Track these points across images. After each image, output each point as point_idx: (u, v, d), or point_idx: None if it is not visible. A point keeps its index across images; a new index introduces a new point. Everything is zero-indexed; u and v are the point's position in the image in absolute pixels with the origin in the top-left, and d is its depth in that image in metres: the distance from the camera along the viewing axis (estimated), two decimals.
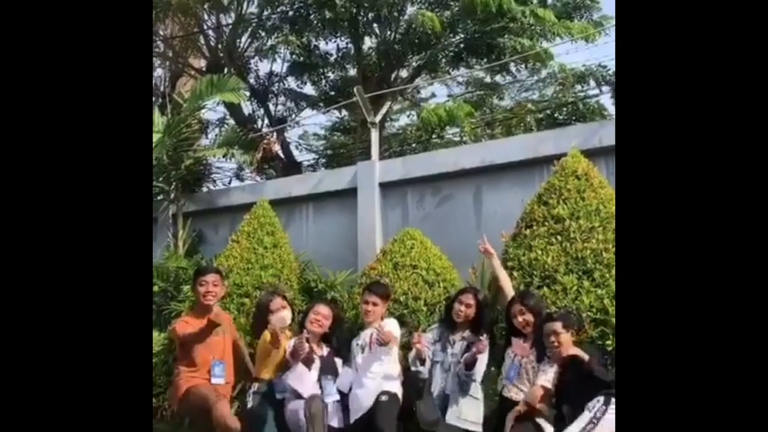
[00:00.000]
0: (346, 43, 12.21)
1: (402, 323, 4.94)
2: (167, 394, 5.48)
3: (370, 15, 11.39)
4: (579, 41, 10.92)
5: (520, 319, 4.29)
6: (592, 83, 12.42)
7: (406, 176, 7.16)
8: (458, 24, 11.14)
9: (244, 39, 12.39)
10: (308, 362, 4.54)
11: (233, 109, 11.74)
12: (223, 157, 9.39)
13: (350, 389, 4.61)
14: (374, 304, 4.73)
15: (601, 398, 3.76)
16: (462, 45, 11.59)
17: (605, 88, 12.24)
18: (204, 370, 4.56)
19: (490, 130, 13.77)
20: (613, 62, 11.57)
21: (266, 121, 12.96)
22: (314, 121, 23.70)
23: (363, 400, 4.48)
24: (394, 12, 11.32)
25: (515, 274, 4.82)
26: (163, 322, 6.45)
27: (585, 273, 4.60)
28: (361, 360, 4.63)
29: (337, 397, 4.58)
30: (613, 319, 4.28)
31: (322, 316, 4.75)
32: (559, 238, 4.79)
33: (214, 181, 10.44)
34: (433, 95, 15.29)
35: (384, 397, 4.40)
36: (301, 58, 12.02)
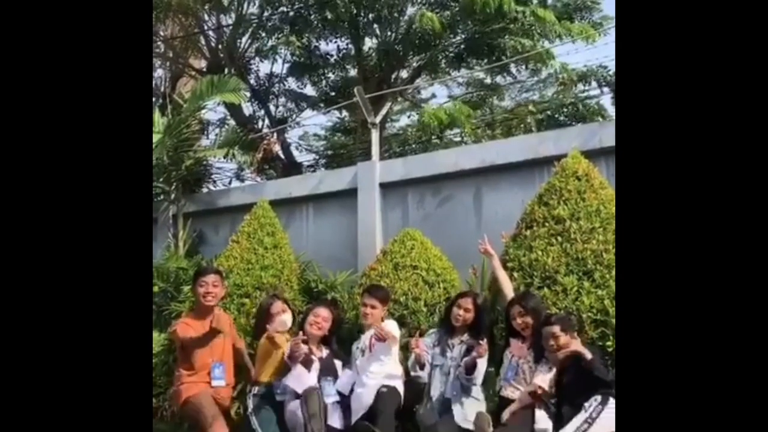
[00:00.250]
0: (347, 44, 12.23)
1: (402, 324, 4.94)
2: (167, 395, 5.48)
3: (371, 15, 11.40)
4: (579, 42, 10.93)
5: (519, 320, 4.29)
6: (593, 84, 12.42)
7: (407, 177, 7.16)
8: (458, 24, 11.15)
9: (244, 40, 12.39)
10: (307, 364, 4.54)
11: (233, 109, 11.74)
12: (224, 157, 9.39)
13: (351, 390, 4.60)
14: (373, 307, 4.73)
15: (598, 397, 3.77)
16: (462, 45, 11.59)
17: (606, 89, 12.24)
18: (204, 373, 4.56)
19: (491, 130, 13.76)
20: (614, 63, 11.59)
21: (266, 121, 12.97)
22: (314, 122, 23.72)
23: (364, 398, 4.48)
24: (394, 12, 11.32)
25: (515, 274, 4.82)
26: (163, 322, 6.45)
27: (585, 274, 4.60)
28: (361, 363, 4.63)
29: (337, 398, 4.58)
30: (614, 320, 4.28)
31: (321, 318, 4.75)
32: (559, 238, 4.79)
33: (215, 182, 10.46)
34: (434, 96, 15.31)
35: (384, 389, 4.41)
36: (302, 59, 12.02)
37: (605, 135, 5.88)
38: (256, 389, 4.67)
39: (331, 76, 12.96)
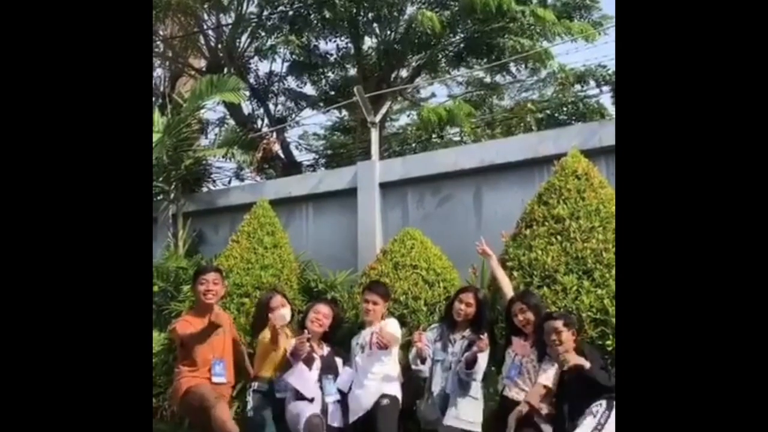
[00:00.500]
0: (346, 43, 12.23)
1: (402, 323, 4.94)
2: (167, 394, 5.48)
3: (370, 15, 11.39)
4: (579, 41, 10.93)
5: (520, 317, 4.28)
6: (592, 83, 12.43)
7: (406, 176, 7.16)
8: (458, 24, 11.15)
9: (243, 39, 12.40)
10: (309, 362, 4.55)
11: (233, 109, 11.74)
12: (223, 157, 9.40)
13: (350, 388, 4.61)
14: (374, 303, 4.73)
15: (604, 402, 3.76)
16: (462, 45, 11.60)
17: (605, 88, 12.25)
18: (204, 369, 4.57)
19: (490, 130, 13.77)
20: (613, 62, 11.59)
21: (266, 121, 12.97)
22: (314, 121, 23.70)
23: (363, 400, 4.48)
24: (393, 12, 11.32)
25: (515, 274, 4.82)
26: (163, 322, 6.45)
27: (585, 273, 4.60)
28: (361, 360, 4.63)
29: (338, 396, 4.58)
30: (613, 319, 4.28)
31: (322, 315, 4.76)
32: (559, 238, 4.79)
33: (214, 181, 10.45)
34: (433, 95, 15.30)
35: (385, 401, 4.41)
36: (301, 58, 12.04)
37: (605, 134, 5.88)
38: (256, 385, 4.66)
39: (330, 75, 12.96)
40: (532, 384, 4.14)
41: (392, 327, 4.63)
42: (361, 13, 11.30)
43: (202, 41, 12.45)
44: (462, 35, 11.47)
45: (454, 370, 4.37)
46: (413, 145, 13.51)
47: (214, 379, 4.56)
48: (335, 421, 4.51)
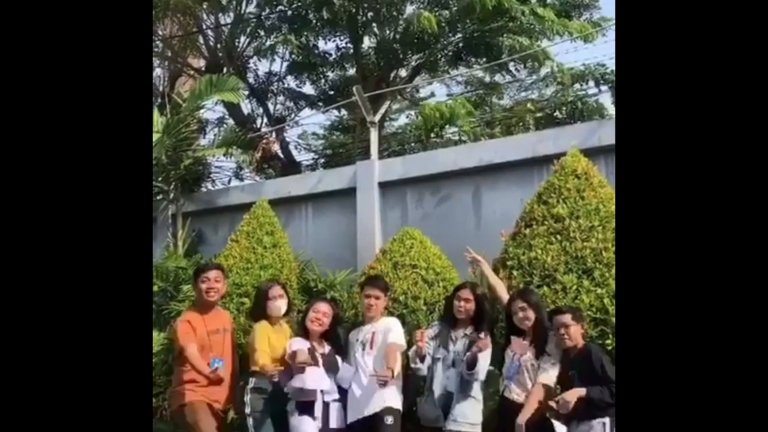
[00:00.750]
0: (345, 43, 12.21)
1: (402, 323, 4.93)
2: (167, 394, 5.48)
3: (369, 14, 11.38)
4: (578, 41, 10.93)
5: (520, 315, 4.26)
6: (591, 82, 12.42)
7: (406, 176, 7.16)
8: (457, 23, 11.14)
9: (243, 39, 12.38)
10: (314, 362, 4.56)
11: (232, 108, 11.73)
12: (223, 156, 9.38)
13: (349, 386, 4.59)
14: (376, 298, 4.71)
15: (606, 421, 3.77)
16: (461, 44, 11.59)
17: (604, 87, 12.24)
18: (203, 377, 4.57)
19: (490, 129, 13.76)
20: (612, 61, 11.60)
21: (265, 120, 12.96)
22: (313, 121, 23.65)
23: (363, 404, 4.46)
24: (393, 11, 11.30)
25: (515, 273, 4.82)
26: (163, 322, 6.45)
27: (584, 272, 4.60)
28: (361, 358, 4.60)
29: (337, 395, 4.57)
30: (613, 319, 4.28)
31: (322, 314, 4.75)
32: (558, 237, 4.79)
33: (214, 181, 10.46)
34: (432, 94, 15.29)
35: (389, 419, 4.38)
36: (300, 58, 12.01)
37: (604, 133, 5.88)
38: (253, 381, 4.65)
39: (329, 74, 12.95)
40: (531, 383, 4.13)
41: (396, 337, 4.59)
42: (360, 13, 11.29)
43: (201, 41, 12.43)
44: (461, 34, 11.46)
45: (457, 368, 4.36)
46: (412, 144, 13.49)
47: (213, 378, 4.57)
48: (335, 422, 4.51)
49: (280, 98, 13.30)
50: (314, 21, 11.48)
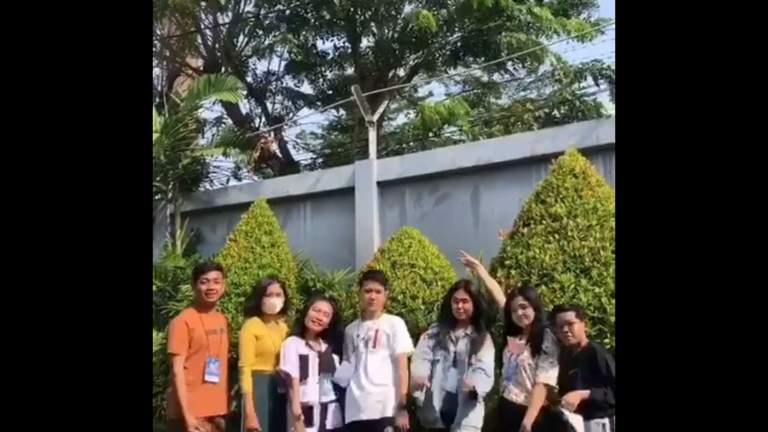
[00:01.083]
0: (344, 42, 12.21)
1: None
2: (166, 394, 5.48)
3: (368, 14, 11.39)
4: (576, 40, 10.93)
5: (519, 312, 4.24)
6: (590, 80, 12.43)
7: (404, 175, 7.16)
8: (455, 22, 11.14)
9: (241, 38, 12.39)
10: (304, 375, 4.56)
11: (231, 108, 11.73)
12: (222, 156, 9.39)
13: (348, 383, 4.57)
14: (377, 292, 4.67)
15: (606, 422, 3.78)
16: (459, 43, 11.60)
17: (603, 85, 12.23)
18: (198, 369, 4.55)
19: (488, 128, 13.77)
20: (609, 60, 11.61)
21: (264, 120, 12.97)
22: (312, 120, 23.64)
23: (363, 406, 4.44)
24: (391, 11, 11.32)
25: (513, 272, 4.82)
26: (162, 321, 6.45)
27: (582, 271, 4.61)
28: (364, 356, 4.55)
29: (333, 396, 4.56)
30: (611, 318, 4.29)
31: (323, 313, 4.72)
32: (556, 236, 4.80)
33: (212, 181, 10.44)
34: (431, 94, 15.30)
35: (390, 431, 4.39)
36: (299, 57, 12.03)
37: (602, 132, 5.89)
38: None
39: (328, 74, 12.96)
40: (530, 382, 4.13)
41: (395, 323, 4.60)
42: (359, 12, 11.30)
43: (200, 41, 12.44)
44: (459, 33, 11.47)
45: (457, 369, 4.35)
46: (411, 143, 13.50)
47: (207, 378, 4.54)
48: (331, 423, 4.51)
49: (279, 98, 13.32)
50: (313, 20, 11.49)
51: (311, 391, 4.52)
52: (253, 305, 4.86)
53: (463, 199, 6.84)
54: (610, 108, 11.82)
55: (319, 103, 13.11)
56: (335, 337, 4.79)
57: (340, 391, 4.59)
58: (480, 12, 10.17)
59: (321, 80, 12.95)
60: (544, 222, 4.92)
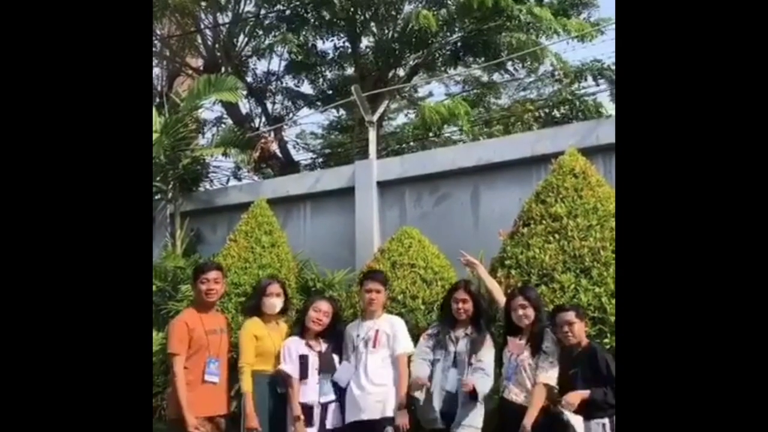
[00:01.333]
0: (344, 42, 12.22)
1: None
2: (166, 394, 5.48)
3: (368, 14, 11.39)
4: (576, 40, 10.94)
5: (520, 312, 4.24)
6: (590, 80, 12.44)
7: (404, 175, 7.16)
8: (455, 22, 11.14)
9: (241, 38, 12.39)
10: (304, 375, 4.57)
11: (231, 108, 11.73)
12: (222, 156, 9.39)
13: (347, 383, 4.57)
14: (377, 292, 4.68)
15: (606, 422, 3.78)
16: (459, 43, 11.60)
17: (603, 85, 12.23)
18: (198, 369, 4.56)
19: (488, 128, 13.77)
20: (609, 60, 11.61)
21: (264, 120, 12.97)
22: (312, 120, 23.67)
23: (363, 406, 4.44)
24: (391, 11, 11.32)
25: (513, 272, 4.82)
26: (162, 321, 6.44)
27: (582, 271, 4.61)
28: (363, 356, 4.56)
29: (333, 396, 4.56)
30: (611, 318, 4.29)
31: (323, 313, 4.72)
32: (556, 236, 4.80)
33: (212, 181, 10.44)
34: (431, 94, 15.30)
35: (390, 431, 4.39)
36: (299, 57, 12.03)
37: (602, 132, 5.89)
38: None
39: (328, 74, 12.96)
40: (530, 382, 4.13)
41: (396, 325, 4.61)
42: (359, 12, 11.30)
43: (200, 41, 12.43)
44: (459, 34, 11.47)
45: (457, 369, 4.35)
46: (411, 143, 13.51)
47: (207, 378, 4.54)
48: (331, 423, 4.51)
49: (279, 98, 13.32)
50: (313, 20, 11.49)
51: (311, 391, 4.52)
52: (253, 305, 4.87)
53: (463, 199, 6.83)
54: (610, 108, 11.83)
55: (319, 103, 13.11)
56: (335, 337, 4.79)
57: (340, 391, 4.59)
58: (480, 12, 10.17)
59: (321, 80, 12.96)
60: (544, 222, 4.92)
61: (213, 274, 4.74)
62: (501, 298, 4.55)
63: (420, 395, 4.39)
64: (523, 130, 12.16)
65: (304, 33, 11.64)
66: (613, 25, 7.91)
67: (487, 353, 4.34)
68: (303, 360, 4.56)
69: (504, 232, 5.21)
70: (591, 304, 4.42)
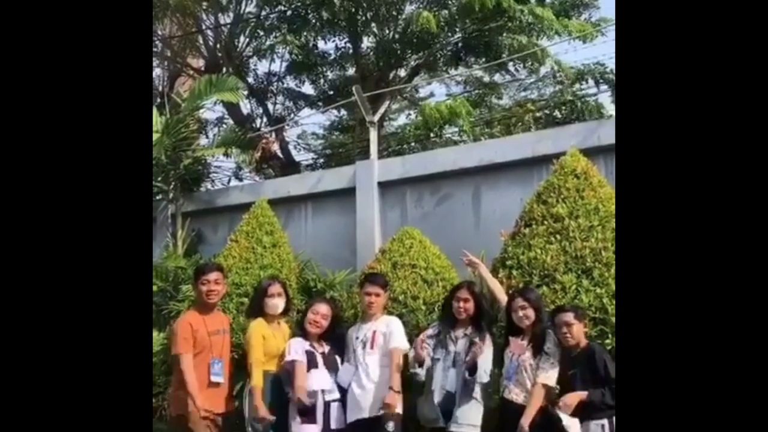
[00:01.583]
0: (345, 43, 12.22)
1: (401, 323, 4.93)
2: (167, 394, 5.48)
3: (369, 14, 11.39)
4: (577, 40, 10.94)
5: (520, 313, 4.25)
6: (591, 82, 12.44)
7: (405, 175, 7.16)
8: (456, 23, 11.14)
9: (242, 38, 12.39)
10: (313, 364, 4.56)
11: (232, 108, 11.74)
12: (223, 156, 9.39)
13: (349, 385, 4.59)
14: (376, 295, 4.70)
15: (605, 423, 3.77)
16: (460, 44, 11.60)
17: (603, 87, 12.25)
18: (202, 370, 4.56)
19: (489, 129, 13.77)
20: (611, 61, 11.61)
21: (265, 120, 12.98)
22: (313, 121, 23.66)
23: (363, 404, 4.46)
24: (392, 11, 11.32)
25: (514, 272, 4.81)
26: (163, 321, 6.45)
27: (584, 272, 4.60)
28: (362, 356, 4.59)
29: (338, 395, 4.57)
30: (612, 318, 4.28)
31: (321, 315, 4.74)
32: (558, 237, 4.79)
33: (213, 181, 10.47)
34: (432, 94, 15.32)
35: (391, 426, 4.39)
36: (300, 58, 12.02)
37: (604, 133, 5.89)
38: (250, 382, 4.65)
39: (329, 74, 12.96)
40: (530, 383, 4.13)
41: (394, 326, 4.61)
42: (360, 13, 11.30)
43: (201, 41, 12.44)
44: (460, 34, 11.47)
45: (458, 369, 4.36)
46: (412, 144, 13.51)
47: (212, 378, 4.56)
48: (335, 423, 4.51)
49: (280, 98, 13.32)
50: (314, 21, 11.48)
51: (321, 378, 4.52)
52: (256, 307, 4.87)
53: (465, 200, 6.83)
54: (611, 109, 11.84)
55: (320, 104, 13.12)
56: (336, 339, 4.82)
57: (343, 393, 4.61)
58: (481, 13, 10.17)
59: (322, 81, 12.96)
60: (545, 222, 4.91)
61: (213, 276, 4.75)
62: (503, 298, 4.56)
63: (421, 371, 4.39)
64: (524, 130, 12.16)
65: (305, 33, 11.64)
66: (614, 26, 7.92)
67: (485, 357, 4.32)
68: (310, 355, 4.59)
69: (505, 233, 5.21)
70: (592, 304, 4.42)
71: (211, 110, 12.79)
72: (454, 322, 4.54)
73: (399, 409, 4.46)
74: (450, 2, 11.12)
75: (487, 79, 14.25)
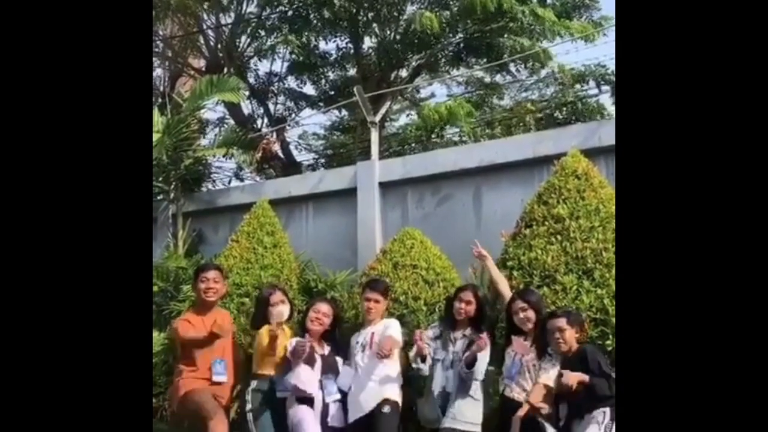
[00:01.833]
0: (346, 43, 12.22)
1: (402, 323, 4.93)
2: (167, 393, 5.48)
3: (370, 15, 11.40)
4: (578, 41, 10.94)
5: (521, 315, 4.26)
6: (592, 83, 12.43)
7: (406, 176, 7.16)
8: (458, 23, 11.14)
9: (243, 39, 12.39)
10: (310, 362, 4.54)
11: (233, 108, 11.75)
12: (223, 156, 9.39)
13: (350, 388, 4.60)
14: (376, 302, 4.71)
15: (608, 410, 3.77)
16: (461, 45, 11.60)
17: (604, 88, 12.25)
18: (205, 369, 4.57)
19: (490, 129, 13.77)
20: (612, 62, 11.61)
21: (266, 120, 12.98)
22: (314, 121, 23.70)
23: (363, 402, 4.46)
24: (393, 12, 11.33)
25: (515, 273, 4.81)
26: (163, 321, 6.45)
27: (585, 273, 4.60)
28: (361, 360, 4.61)
29: (338, 396, 4.57)
30: (613, 319, 4.28)
31: (322, 314, 4.74)
32: (558, 237, 4.79)
33: (214, 181, 10.46)
34: (433, 95, 15.31)
35: (386, 408, 4.38)
36: (301, 58, 12.02)
37: (604, 133, 5.89)
38: (255, 383, 4.65)
39: (330, 75, 12.96)
40: (532, 383, 4.13)
41: (393, 331, 4.60)
42: (361, 13, 11.31)
43: (202, 41, 12.44)
44: (462, 35, 11.47)
45: (456, 369, 4.37)
46: (413, 144, 13.51)
47: (215, 378, 4.57)
48: (336, 422, 4.51)
49: (281, 98, 13.32)
50: (315, 21, 11.48)
51: (310, 379, 4.50)
52: (260, 316, 4.84)
53: (465, 200, 6.83)
54: (612, 110, 11.83)
55: (321, 104, 13.12)
56: (336, 341, 4.83)
57: (343, 395, 4.61)
58: (483, 14, 10.17)
59: (323, 81, 12.96)
60: (546, 223, 4.91)
61: (212, 274, 4.76)
62: (507, 291, 4.58)
63: (424, 366, 4.39)
64: (525, 131, 12.16)
65: (306, 34, 11.64)
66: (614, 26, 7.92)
67: (483, 355, 4.32)
68: (310, 351, 4.58)
69: (506, 234, 5.21)
70: (593, 305, 4.42)
71: (212, 110, 12.82)
72: (453, 323, 4.55)
73: (396, 397, 4.44)
74: (451, 3, 11.12)
75: (488, 79, 14.25)
